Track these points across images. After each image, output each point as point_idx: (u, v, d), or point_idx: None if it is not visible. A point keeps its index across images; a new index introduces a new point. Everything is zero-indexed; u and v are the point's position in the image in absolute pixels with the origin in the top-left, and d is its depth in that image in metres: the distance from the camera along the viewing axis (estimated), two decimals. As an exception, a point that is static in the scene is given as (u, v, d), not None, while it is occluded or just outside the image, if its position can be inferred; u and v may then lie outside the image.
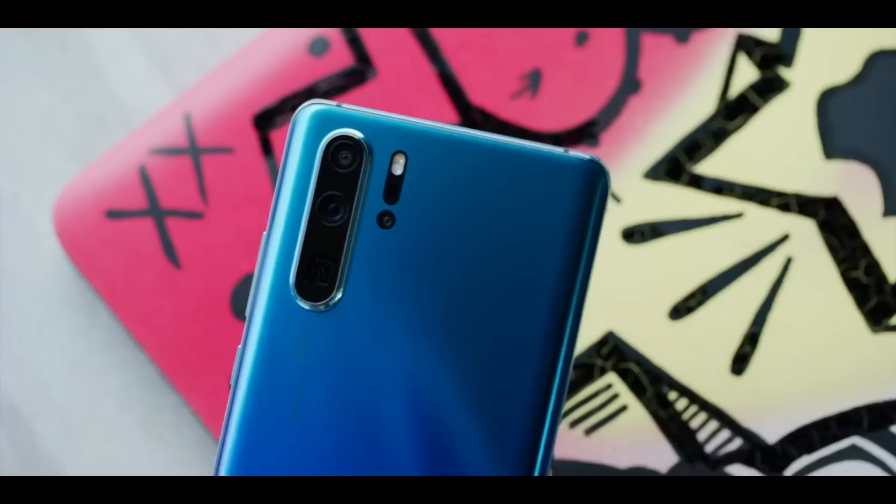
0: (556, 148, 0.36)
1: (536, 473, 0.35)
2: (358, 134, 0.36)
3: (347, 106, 0.36)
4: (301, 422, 0.35)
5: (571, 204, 0.36)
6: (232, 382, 0.36)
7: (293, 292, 0.36)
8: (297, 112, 0.36)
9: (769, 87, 0.48)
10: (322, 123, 0.36)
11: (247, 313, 0.36)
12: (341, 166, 0.36)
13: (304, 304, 0.36)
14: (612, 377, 0.46)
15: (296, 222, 0.36)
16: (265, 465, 0.36)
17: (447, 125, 0.36)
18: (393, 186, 0.36)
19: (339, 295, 0.36)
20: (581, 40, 0.48)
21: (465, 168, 0.36)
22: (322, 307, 0.36)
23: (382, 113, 0.36)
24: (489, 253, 0.36)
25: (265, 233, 0.36)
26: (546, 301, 0.35)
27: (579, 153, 0.36)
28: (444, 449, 0.35)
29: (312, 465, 0.35)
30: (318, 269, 0.36)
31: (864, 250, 0.47)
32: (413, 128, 0.36)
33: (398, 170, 0.36)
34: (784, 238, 0.47)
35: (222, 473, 0.36)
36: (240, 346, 0.36)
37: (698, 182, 0.47)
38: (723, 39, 0.48)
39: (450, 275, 0.36)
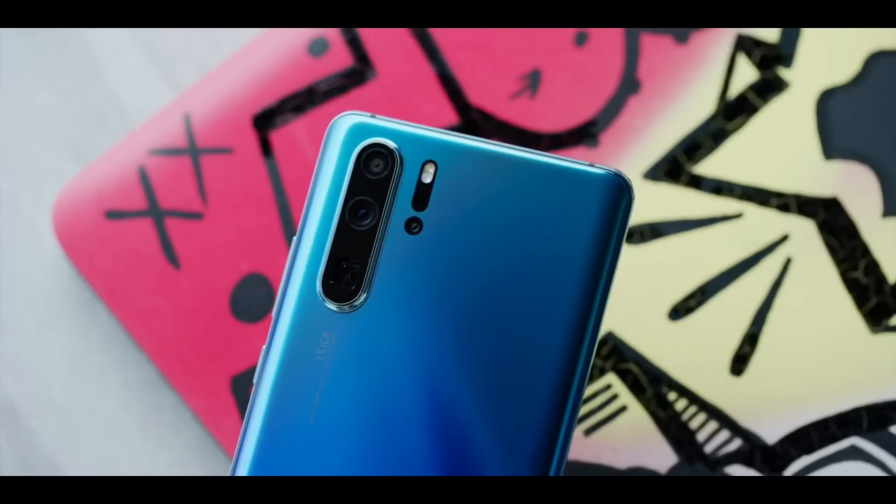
0: (582, 162, 0.37)
1: (552, 474, 0.36)
2: (391, 143, 0.37)
3: (381, 117, 0.37)
4: (320, 421, 0.36)
5: (596, 217, 0.36)
6: (255, 380, 0.36)
7: (320, 293, 0.36)
8: (332, 121, 0.38)
9: (769, 87, 0.48)
10: (356, 133, 0.37)
11: (273, 313, 0.37)
12: (373, 173, 0.37)
13: (331, 305, 0.36)
14: (611, 377, 0.46)
15: (326, 226, 0.37)
16: (284, 464, 0.36)
17: (477, 138, 0.37)
18: (422, 194, 0.37)
19: (365, 297, 0.36)
20: (581, 41, 0.48)
21: (492, 179, 0.37)
22: (347, 308, 0.36)
23: (414, 125, 0.37)
24: (513, 261, 0.36)
25: (295, 235, 0.37)
26: (567, 309, 0.36)
27: (604, 167, 0.37)
28: (462, 450, 0.36)
29: (330, 464, 0.36)
30: (345, 271, 0.37)
31: (864, 251, 0.47)
32: (443, 139, 0.37)
33: (428, 178, 0.37)
34: (784, 238, 0.47)
35: (241, 473, 0.36)
36: (264, 346, 0.37)
37: (698, 182, 0.47)
38: (722, 40, 0.48)
39: (473, 280, 0.36)
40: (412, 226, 0.37)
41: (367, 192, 0.37)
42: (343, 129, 0.37)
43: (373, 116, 0.37)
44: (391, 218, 0.37)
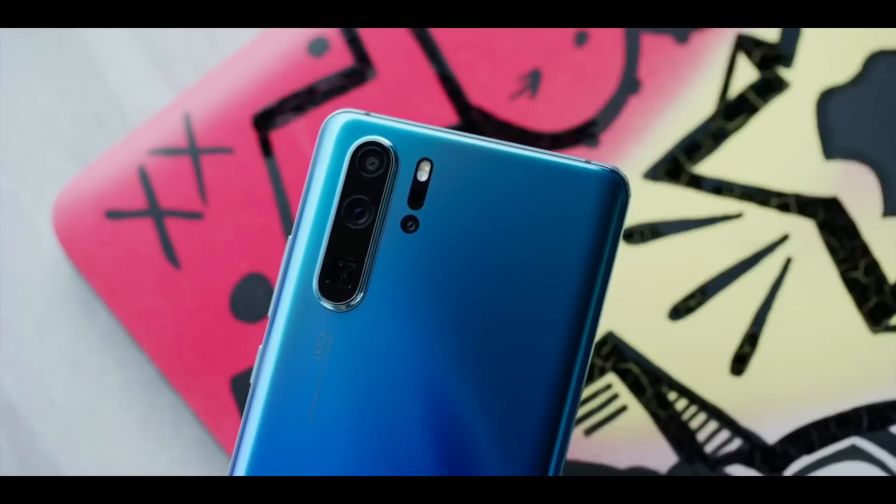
0: (578, 159, 0.36)
1: (550, 474, 0.36)
2: (385, 141, 0.37)
3: (376, 115, 0.37)
4: (318, 421, 0.36)
5: (593, 213, 0.36)
6: (252, 381, 0.36)
7: (316, 293, 0.36)
8: (326, 119, 0.37)
9: (769, 87, 0.48)
10: (351, 131, 0.37)
11: (269, 313, 0.37)
12: (368, 171, 0.37)
13: (327, 305, 0.36)
14: (611, 377, 0.46)
15: (321, 225, 0.37)
16: (282, 464, 0.36)
17: (472, 135, 0.37)
18: (418, 192, 0.37)
19: (361, 296, 0.36)
20: (581, 40, 0.48)
21: (488, 176, 0.37)
22: (344, 308, 0.36)
23: (409, 122, 0.37)
24: (509, 258, 0.36)
25: (290, 234, 0.37)
26: (565, 306, 0.36)
27: (601, 164, 0.36)
28: (461, 449, 0.36)
29: (328, 464, 0.36)
30: (341, 270, 0.36)
31: (864, 250, 0.47)
32: (439, 137, 0.37)
33: (423, 176, 0.37)
34: (784, 238, 0.47)
35: (239, 473, 0.36)
36: (261, 347, 0.37)
37: (698, 182, 0.47)
38: (722, 39, 0.48)
39: (470, 278, 0.36)
40: (408, 224, 0.37)
41: (362, 191, 0.37)
42: (337, 127, 0.37)
43: (367, 114, 0.37)
44: (387, 216, 0.37)
